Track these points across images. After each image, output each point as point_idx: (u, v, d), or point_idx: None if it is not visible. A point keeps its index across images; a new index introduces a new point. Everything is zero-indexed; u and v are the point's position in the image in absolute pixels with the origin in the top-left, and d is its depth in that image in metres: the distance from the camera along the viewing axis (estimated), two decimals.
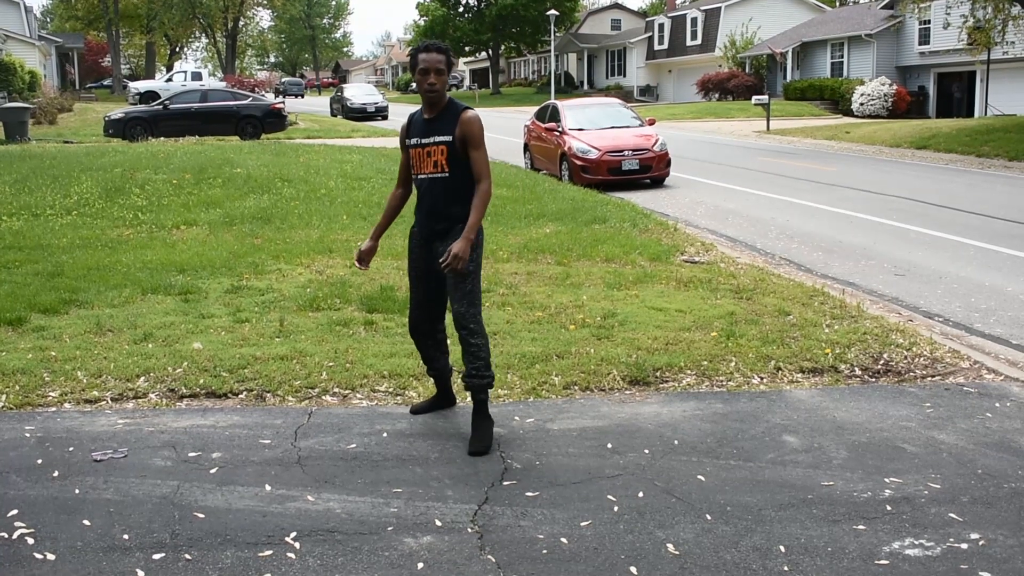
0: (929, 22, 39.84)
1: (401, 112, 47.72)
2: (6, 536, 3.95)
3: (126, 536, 3.96)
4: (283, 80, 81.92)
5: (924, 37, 42.42)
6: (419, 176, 5.06)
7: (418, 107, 5.18)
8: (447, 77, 4.97)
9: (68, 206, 13.20)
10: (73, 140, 27.28)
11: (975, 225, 13.11)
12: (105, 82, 66.70)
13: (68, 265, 9.39)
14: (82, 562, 3.74)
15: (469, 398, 5.25)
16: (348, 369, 6.20)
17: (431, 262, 5.06)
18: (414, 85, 5.12)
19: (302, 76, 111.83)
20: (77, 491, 4.40)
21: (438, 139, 4.95)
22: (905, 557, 3.84)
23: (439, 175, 4.97)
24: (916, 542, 3.96)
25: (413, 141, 5.07)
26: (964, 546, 3.93)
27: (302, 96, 72.84)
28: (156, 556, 3.79)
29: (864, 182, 18.61)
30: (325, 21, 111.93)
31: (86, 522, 4.08)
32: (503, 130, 31.41)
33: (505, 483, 4.53)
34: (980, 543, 3.96)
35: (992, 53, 33.38)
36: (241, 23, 70.08)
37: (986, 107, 38.69)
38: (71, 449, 4.91)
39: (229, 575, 3.66)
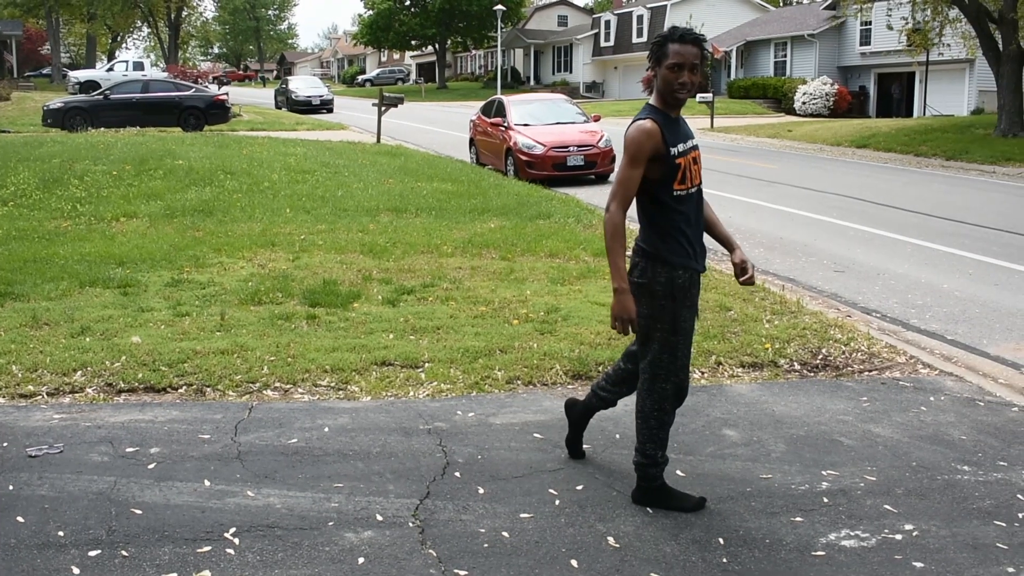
0: (870, 23, 40.46)
1: (346, 105, 47.35)
2: None
3: (61, 533, 3.89)
4: (224, 72, 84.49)
5: (865, 38, 43.13)
6: (691, 190, 4.10)
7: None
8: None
9: (4, 197, 12.92)
10: (10, 130, 26.71)
11: (913, 223, 13.36)
12: (44, 71, 65.42)
13: (3, 257, 9.19)
14: (15, 560, 3.67)
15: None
16: (289, 363, 6.15)
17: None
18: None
19: (246, 68, 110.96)
20: (11, 487, 4.31)
21: (693, 142, 4.17)
22: (841, 548, 3.91)
23: (701, 185, 4.19)
24: (852, 533, 4.04)
25: (680, 148, 4.05)
26: (898, 537, 4.01)
27: (228, 83, 74.01)
28: (92, 553, 3.74)
29: (805, 180, 18.87)
30: (270, 12, 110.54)
31: (20, 519, 4.00)
32: (449, 124, 31.18)
33: (447, 477, 4.53)
34: (914, 534, 4.04)
35: (930, 55, 34.03)
36: (184, 13, 69.05)
37: (924, 107, 39.50)
38: (5, 444, 4.82)
39: (167, 571, 3.62)
